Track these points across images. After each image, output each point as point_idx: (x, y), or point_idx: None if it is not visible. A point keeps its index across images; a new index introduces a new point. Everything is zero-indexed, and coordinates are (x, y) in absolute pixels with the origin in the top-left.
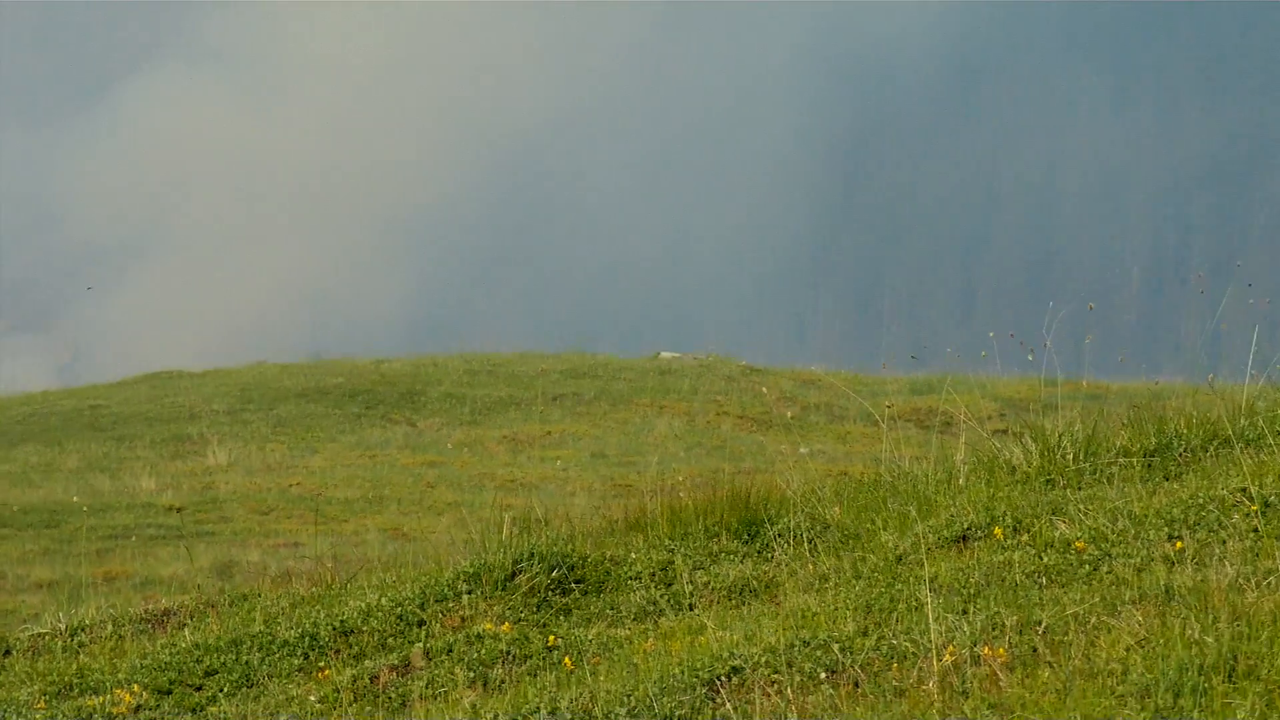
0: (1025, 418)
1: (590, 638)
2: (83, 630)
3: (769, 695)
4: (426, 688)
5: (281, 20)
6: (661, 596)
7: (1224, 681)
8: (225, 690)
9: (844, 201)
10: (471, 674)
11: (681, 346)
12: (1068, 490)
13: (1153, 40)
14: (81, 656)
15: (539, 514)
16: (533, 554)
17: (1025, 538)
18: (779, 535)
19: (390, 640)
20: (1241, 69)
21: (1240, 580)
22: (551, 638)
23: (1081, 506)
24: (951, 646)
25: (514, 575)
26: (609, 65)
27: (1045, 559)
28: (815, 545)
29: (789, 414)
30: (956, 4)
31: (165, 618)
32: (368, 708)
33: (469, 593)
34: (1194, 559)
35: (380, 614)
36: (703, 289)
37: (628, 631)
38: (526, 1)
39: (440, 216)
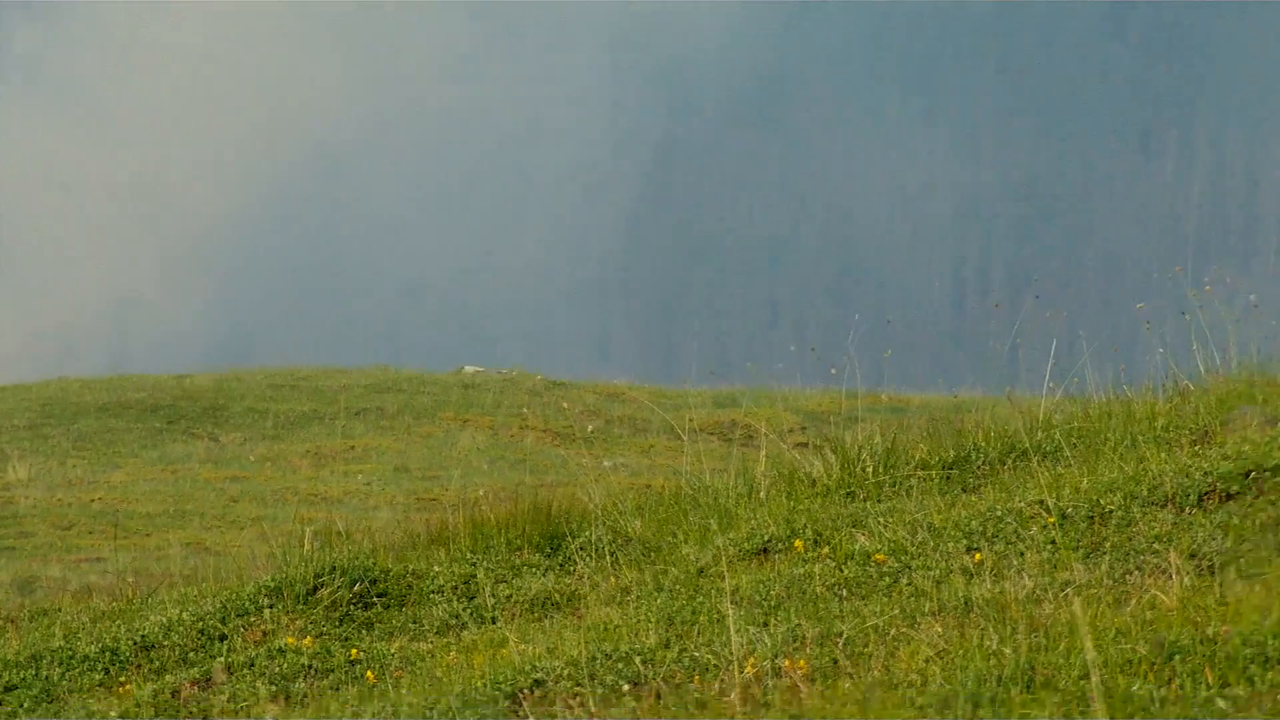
0: (827, 431)
1: (393, 651)
2: None
3: (571, 708)
4: (229, 702)
5: (85, 29)
6: (464, 610)
7: (1022, 692)
8: (25, 705)
9: (649, 213)
10: (273, 688)
11: (486, 361)
12: (868, 503)
13: (957, 55)
14: None
15: (341, 528)
16: (334, 568)
17: (826, 550)
18: (581, 548)
19: (191, 655)
20: (1045, 86)
21: (1038, 592)
22: (354, 651)
23: (881, 519)
24: (753, 658)
25: (316, 589)
26: (416, 74)
27: (845, 571)
28: (617, 558)
29: (590, 428)
30: (763, 17)
31: None
32: None
33: (270, 607)
34: (992, 571)
35: (181, 629)
36: (508, 302)
37: (430, 645)
38: (336, 10)
39: (244, 229)
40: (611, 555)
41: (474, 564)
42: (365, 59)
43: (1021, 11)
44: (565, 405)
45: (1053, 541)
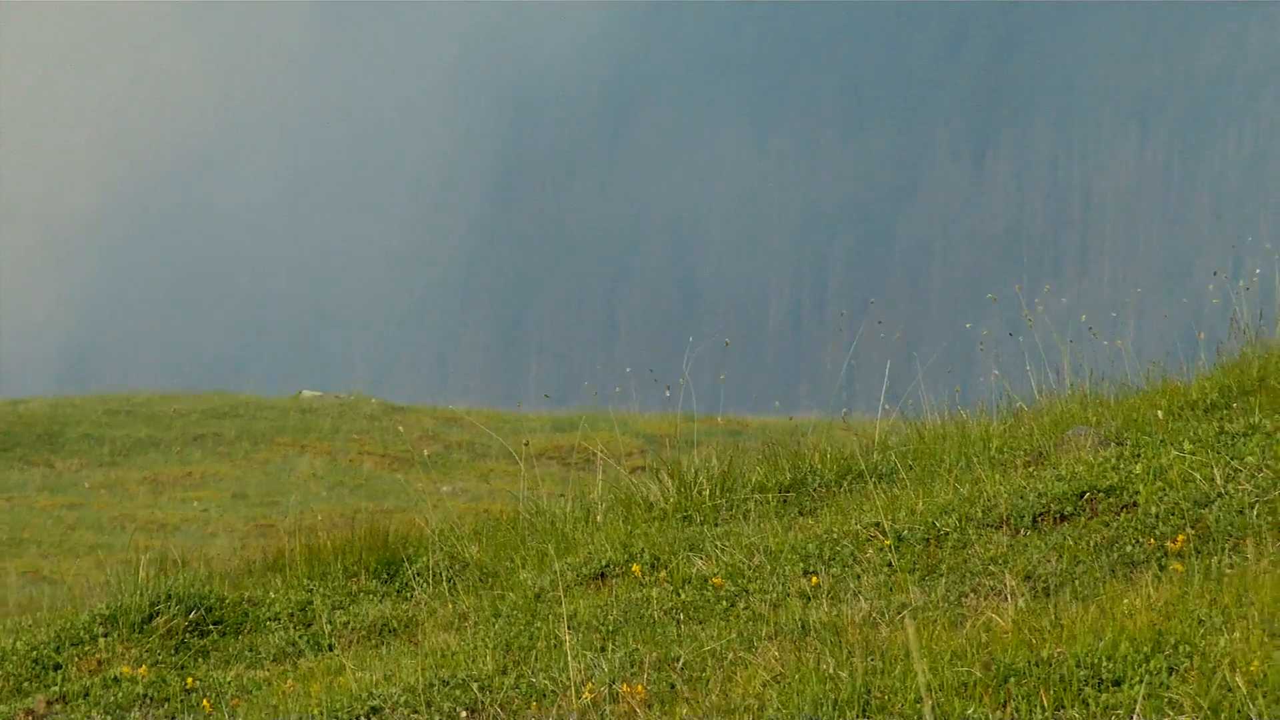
0: (665, 454)
1: (229, 679)
2: None
3: None
4: None
5: None
6: (300, 637)
7: (858, 716)
8: None
9: (491, 234)
10: (109, 717)
11: (325, 384)
12: (705, 526)
13: (795, 78)
14: None
15: (176, 555)
16: (170, 595)
17: (663, 574)
18: (418, 574)
19: (26, 684)
20: (881, 109)
21: (874, 615)
22: (190, 680)
23: (718, 543)
24: (590, 684)
25: (151, 617)
26: (259, 79)
27: (683, 595)
28: (454, 584)
29: (426, 452)
30: (608, 36)
31: None
32: None
33: (105, 635)
34: (829, 594)
35: (15, 658)
36: (347, 323)
37: (267, 673)
38: (187, 11)
39: (76, 247)
40: (449, 581)
41: (310, 591)
42: (208, 63)
43: (861, 33)
44: (403, 430)
45: (889, 564)
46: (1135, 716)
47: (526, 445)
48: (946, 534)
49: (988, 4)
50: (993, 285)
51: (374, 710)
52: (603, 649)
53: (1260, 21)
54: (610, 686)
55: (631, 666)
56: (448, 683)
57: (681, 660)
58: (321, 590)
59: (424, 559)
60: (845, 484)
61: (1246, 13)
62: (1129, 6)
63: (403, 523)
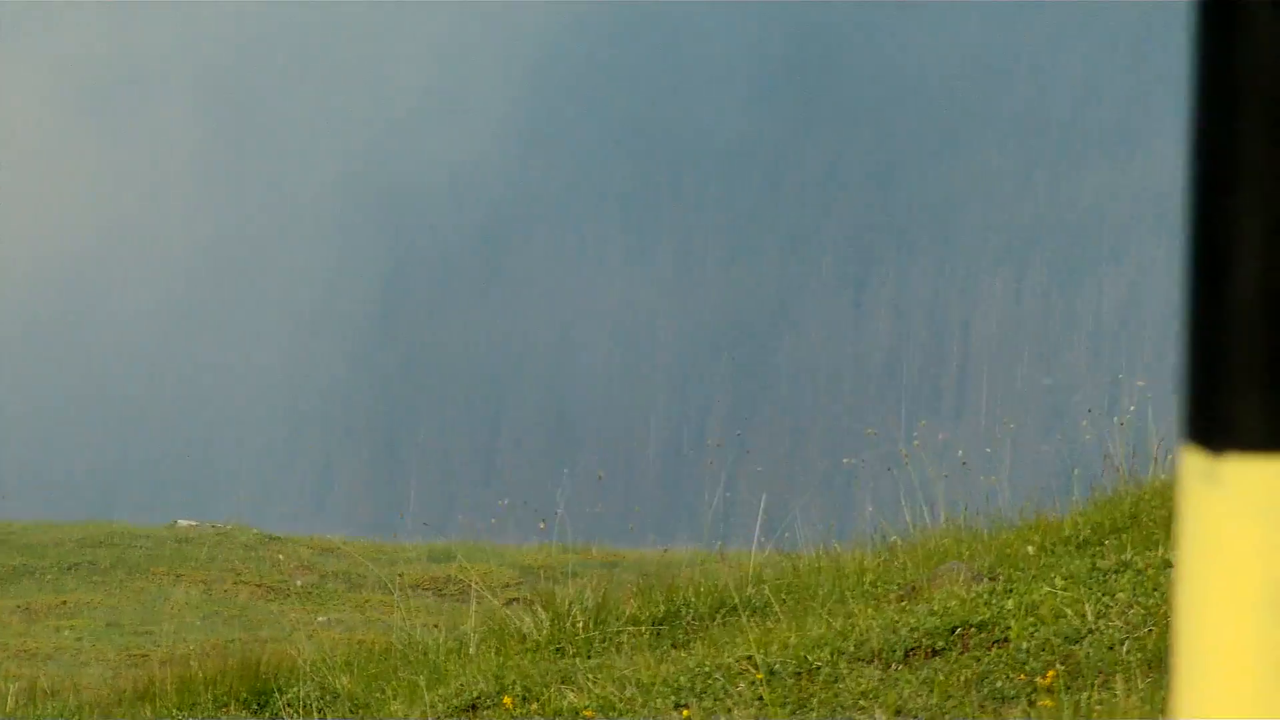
0: (540, 586)
1: None
2: None
3: None
4: None
5: None
6: None
7: None
8: None
9: (368, 361)
10: None
11: (200, 508)
12: (578, 659)
13: (674, 206)
14: None
15: (46, 685)
16: None
17: (535, 706)
18: (289, 704)
19: None
20: (761, 238)
21: None
22: None
23: (591, 675)
24: None
25: None
26: (141, 189)
27: None
28: (325, 715)
29: (299, 582)
30: (488, 161)
31: None
32: None
33: None
34: None
35: None
36: (223, 448)
37: None
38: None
39: None
40: (319, 712)
41: None
42: (95, 180)
43: (740, 161)
44: (281, 559)
45: (760, 698)
46: None
47: (401, 577)
48: (818, 668)
49: (867, 134)
50: (871, 418)
51: None
52: None
53: (1140, 157)
54: None
55: None
56: None
57: None
58: None
59: (295, 689)
60: (719, 617)
61: (1126, 149)
62: (1008, 139)
63: (276, 653)
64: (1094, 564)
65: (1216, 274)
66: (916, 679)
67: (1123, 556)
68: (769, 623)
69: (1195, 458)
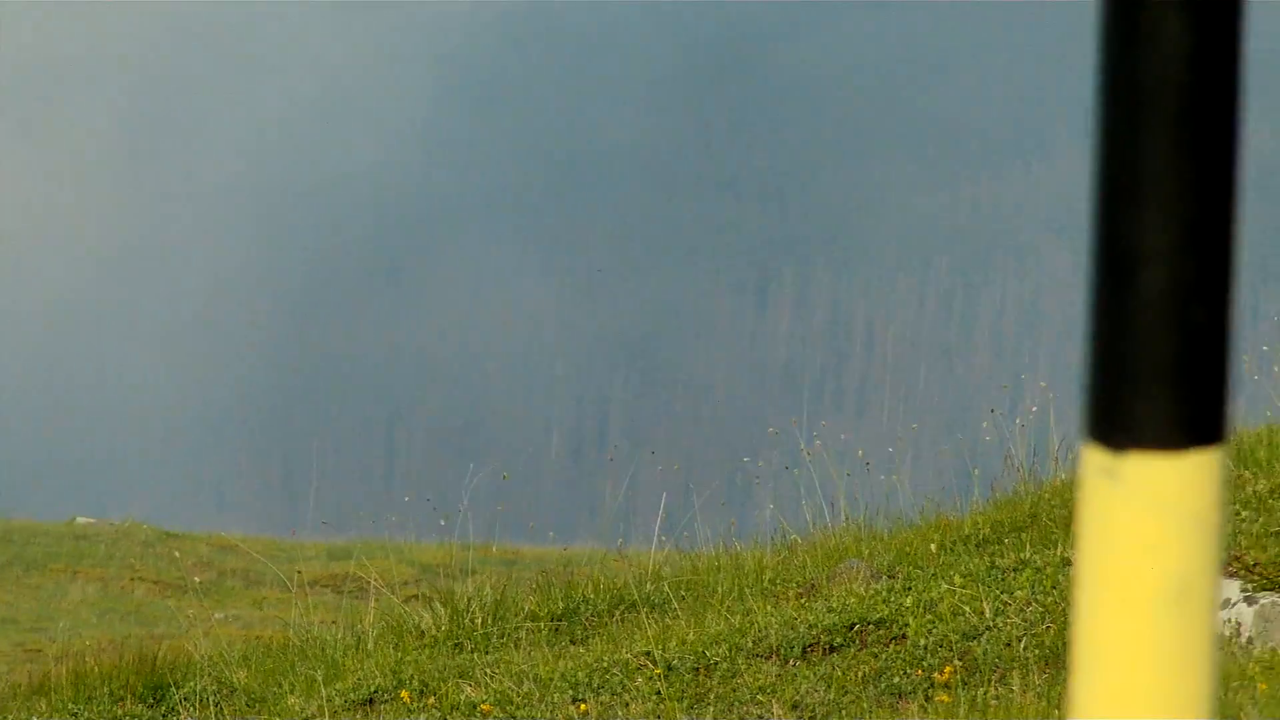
0: (439, 583)
1: None
2: None
3: None
4: None
5: None
6: None
7: None
8: None
9: (269, 360)
10: None
11: (101, 509)
12: (475, 654)
13: (579, 214)
14: None
15: None
16: None
17: (432, 700)
18: (185, 699)
19: None
20: (664, 239)
21: None
22: None
23: (488, 670)
24: None
25: None
26: (50, 194)
27: None
28: (222, 709)
29: (198, 579)
30: (386, 163)
31: None
32: None
33: None
34: None
35: None
36: (124, 446)
37: None
38: None
39: None
40: (216, 706)
41: (76, 715)
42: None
43: (644, 169)
44: (178, 555)
45: (658, 693)
46: None
47: (299, 573)
48: (716, 663)
49: (770, 141)
50: (773, 419)
51: None
52: None
53: (1043, 162)
54: None
55: None
56: None
57: None
58: (87, 714)
59: (192, 684)
60: (618, 614)
61: (1031, 154)
62: (910, 145)
63: (173, 648)
64: (993, 562)
65: (1121, 278)
66: (814, 675)
67: (1021, 555)
68: (668, 619)
69: (1096, 455)
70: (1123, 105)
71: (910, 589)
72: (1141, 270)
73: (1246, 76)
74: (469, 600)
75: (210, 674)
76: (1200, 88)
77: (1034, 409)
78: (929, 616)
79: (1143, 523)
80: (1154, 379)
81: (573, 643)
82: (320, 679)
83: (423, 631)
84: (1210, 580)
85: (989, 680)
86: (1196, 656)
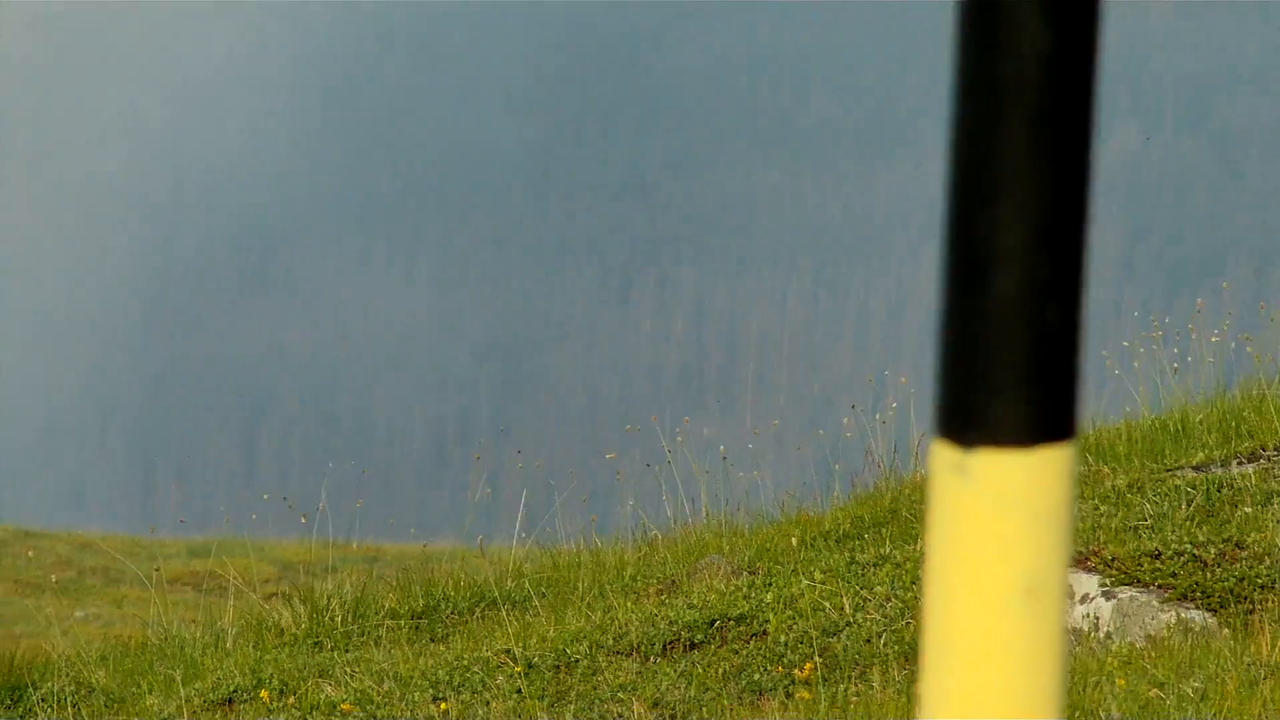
0: (299, 580)
1: None
2: None
3: None
4: None
5: None
6: None
7: None
8: None
9: (129, 357)
10: None
11: None
12: (335, 652)
13: (441, 213)
14: None
15: None
16: None
17: (291, 700)
18: (43, 700)
19: None
20: (529, 239)
21: None
22: None
23: (348, 668)
24: None
25: None
26: None
27: None
28: (80, 709)
29: (54, 578)
30: (247, 161)
31: None
32: None
33: None
34: None
35: None
36: None
37: None
38: None
39: None
40: (74, 707)
41: None
42: None
43: (510, 162)
44: (32, 555)
45: (518, 690)
46: None
47: (158, 571)
48: (577, 661)
49: (636, 141)
50: (636, 417)
51: None
52: None
53: (907, 160)
54: None
55: None
56: None
57: None
58: None
59: (50, 684)
60: (478, 611)
61: (896, 152)
62: (774, 146)
63: (30, 648)
64: (853, 558)
65: (974, 276)
66: (674, 671)
67: (881, 550)
68: (528, 616)
69: (946, 451)
70: (978, 105)
71: (771, 585)
72: (994, 269)
73: (1101, 77)
74: (329, 598)
75: (68, 674)
76: (1055, 88)
77: (895, 405)
78: (789, 612)
79: (992, 519)
80: (1005, 376)
81: (433, 641)
82: (179, 678)
83: (282, 630)
84: (1060, 576)
85: (849, 677)
86: (1046, 653)
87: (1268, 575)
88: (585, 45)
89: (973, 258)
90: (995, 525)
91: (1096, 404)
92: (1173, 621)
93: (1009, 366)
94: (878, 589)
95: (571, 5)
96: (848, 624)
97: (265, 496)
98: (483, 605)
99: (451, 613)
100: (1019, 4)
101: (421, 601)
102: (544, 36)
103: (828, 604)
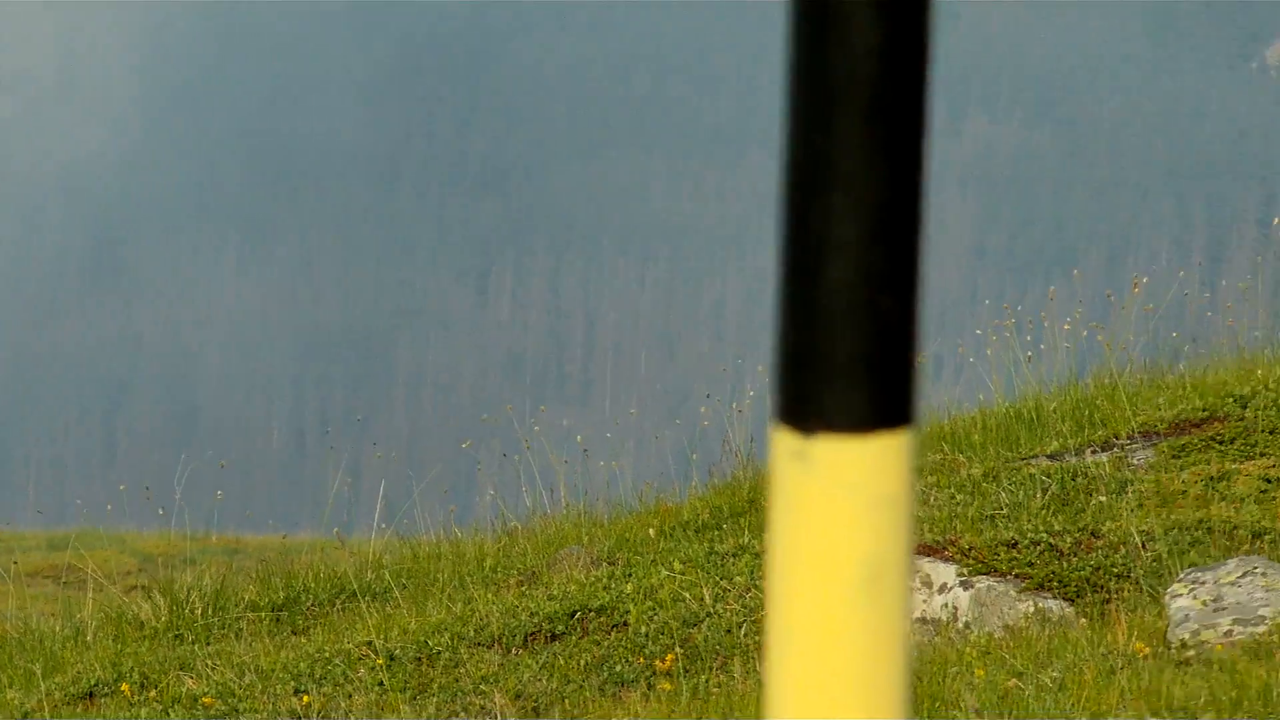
0: (159, 573)
1: None
2: None
3: None
4: None
5: None
6: None
7: None
8: None
9: None
10: None
11: None
12: (196, 645)
13: (290, 206)
14: None
15: None
16: None
17: (153, 693)
18: None
19: None
20: (383, 234)
21: None
22: None
23: (209, 661)
24: None
25: None
26: None
27: (173, 715)
28: None
29: None
30: (98, 155)
31: None
32: None
33: None
34: (320, 713)
35: None
36: None
37: None
38: None
39: None
40: None
41: None
42: None
43: (363, 158)
44: None
45: (381, 683)
46: None
47: (16, 564)
48: (438, 653)
49: (497, 134)
50: (494, 407)
51: None
52: None
53: (762, 151)
54: None
55: None
56: None
57: None
58: None
59: None
60: (339, 603)
61: (751, 143)
62: (638, 136)
63: None
64: (712, 548)
65: (810, 266)
66: (536, 663)
67: (741, 540)
68: (389, 608)
69: (787, 439)
70: (812, 99)
71: (631, 576)
72: (829, 259)
73: (934, 71)
74: (189, 590)
75: None
76: (887, 82)
77: (752, 394)
78: (649, 603)
79: (832, 506)
80: (841, 364)
81: (294, 633)
82: (39, 672)
83: (143, 623)
84: (902, 562)
85: (710, 667)
86: (890, 639)
87: (1123, 564)
88: (447, 39)
89: (808, 248)
90: (835, 512)
91: (951, 393)
92: (1030, 611)
93: (845, 355)
94: (737, 579)
95: (423, 3)
96: (708, 614)
97: (123, 488)
98: (343, 597)
99: (312, 605)
100: (850, 3)
101: (282, 594)
102: (404, 30)
103: (688, 594)
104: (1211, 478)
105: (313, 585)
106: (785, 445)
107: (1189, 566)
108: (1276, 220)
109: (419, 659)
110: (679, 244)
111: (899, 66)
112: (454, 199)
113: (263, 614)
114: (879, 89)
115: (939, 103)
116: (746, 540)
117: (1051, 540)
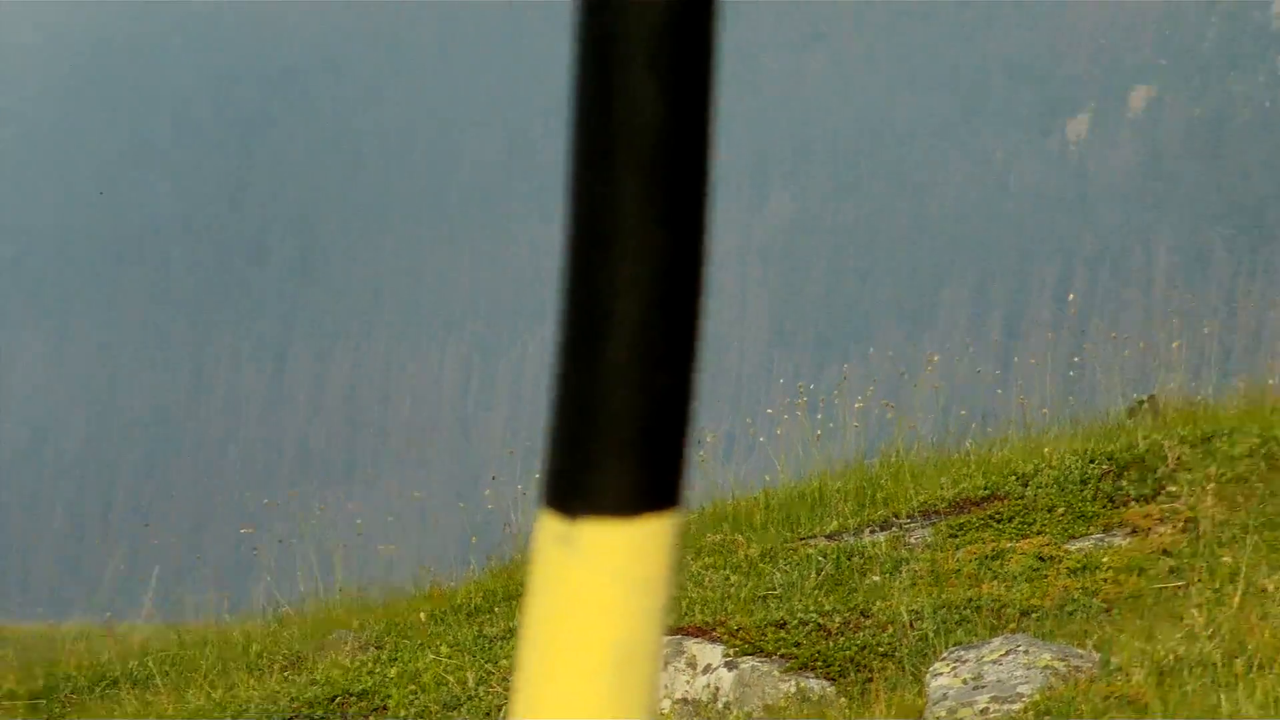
0: None
1: None
2: None
3: None
4: None
5: None
6: None
7: None
8: None
9: None
10: None
11: None
12: None
13: (99, 283)
14: None
15: None
16: None
17: None
18: None
19: None
20: (179, 316)
21: None
22: None
23: None
24: None
25: None
26: None
27: None
28: None
29: None
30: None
31: None
32: None
33: None
34: None
35: None
36: None
37: None
38: None
39: None
40: None
41: None
42: None
43: (162, 236)
44: None
45: None
46: None
47: None
48: None
49: (291, 211)
50: (279, 492)
51: None
52: None
53: (553, 219)
54: None
55: None
56: None
57: None
58: None
59: None
60: (99, 690)
61: (547, 214)
62: (436, 213)
63: None
64: (481, 631)
65: (587, 343)
66: None
67: (510, 624)
68: (149, 695)
69: (553, 522)
70: (593, 171)
71: (396, 659)
72: (605, 336)
73: (717, 136)
74: None
75: None
76: (668, 155)
77: (537, 475)
78: (412, 687)
79: (591, 591)
80: (610, 446)
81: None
82: None
83: None
84: (654, 645)
85: None
86: None
87: (889, 643)
88: (243, 111)
89: (585, 324)
90: (593, 597)
91: (738, 472)
92: (792, 691)
93: (614, 436)
94: (503, 662)
95: (226, 73)
96: (469, 697)
97: None
98: (104, 684)
99: (71, 692)
100: (631, 71)
101: (41, 681)
102: (199, 101)
103: (451, 678)
104: (986, 556)
105: (74, 673)
106: (549, 529)
107: (954, 645)
108: (1071, 296)
109: None
110: (483, 317)
111: (680, 138)
112: (256, 277)
113: (19, 704)
114: (659, 162)
115: (744, 178)
116: (516, 624)
117: (820, 620)
